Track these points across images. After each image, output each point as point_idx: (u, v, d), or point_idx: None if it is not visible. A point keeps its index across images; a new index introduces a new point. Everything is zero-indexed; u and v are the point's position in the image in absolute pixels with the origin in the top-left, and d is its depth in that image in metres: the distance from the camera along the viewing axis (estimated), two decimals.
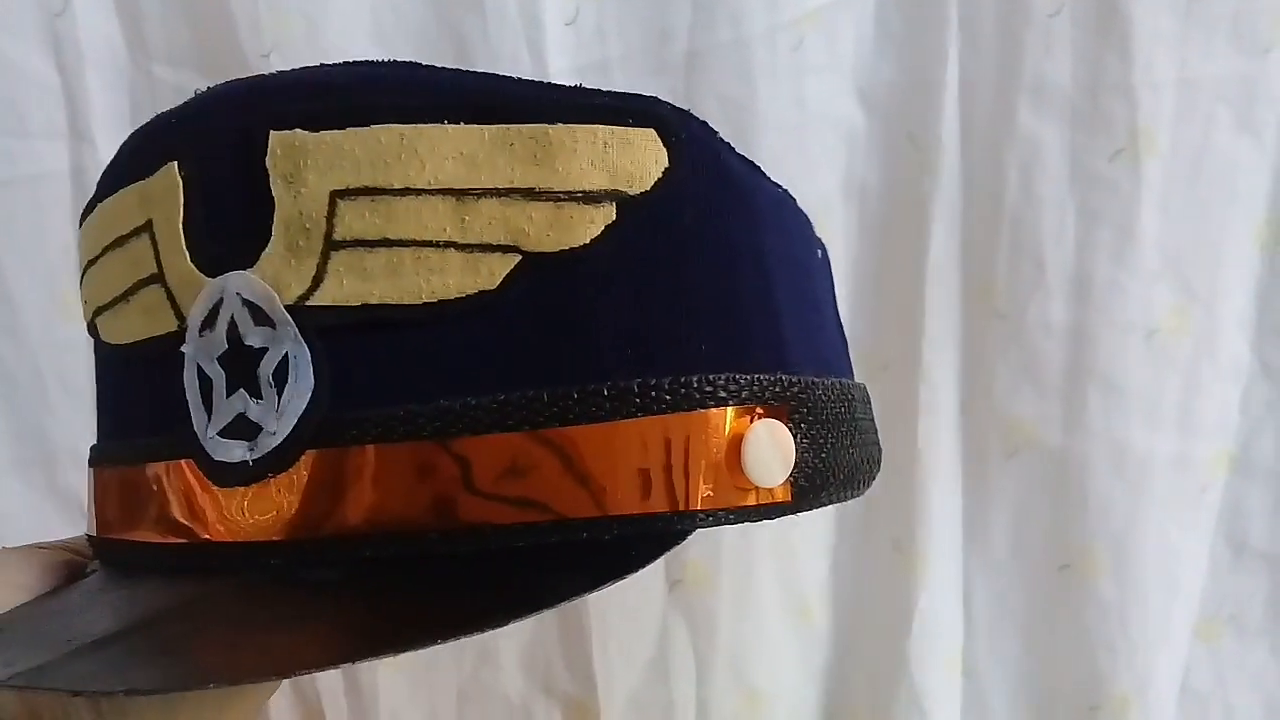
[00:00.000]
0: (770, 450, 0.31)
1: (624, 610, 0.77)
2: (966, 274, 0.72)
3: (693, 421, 0.30)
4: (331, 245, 0.29)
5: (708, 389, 0.30)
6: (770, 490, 0.31)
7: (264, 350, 0.29)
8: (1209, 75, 0.66)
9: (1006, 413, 0.74)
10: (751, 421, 0.30)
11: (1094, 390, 0.72)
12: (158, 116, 0.34)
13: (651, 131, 0.30)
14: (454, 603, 0.28)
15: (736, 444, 0.30)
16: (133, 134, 0.35)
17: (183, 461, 0.31)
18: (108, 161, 0.36)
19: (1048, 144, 0.68)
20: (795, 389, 0.32)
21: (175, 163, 0.31)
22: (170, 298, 0.31)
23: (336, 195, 0.28)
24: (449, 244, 0.28)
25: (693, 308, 0.31)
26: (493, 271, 0.29)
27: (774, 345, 0.33)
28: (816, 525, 0.79)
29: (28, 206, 0.68)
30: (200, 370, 0.30)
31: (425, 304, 0.29)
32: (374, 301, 0.29)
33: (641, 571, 0.29)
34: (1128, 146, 0.67)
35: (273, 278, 0.29)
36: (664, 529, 0.30)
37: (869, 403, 0.40)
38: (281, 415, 0.29)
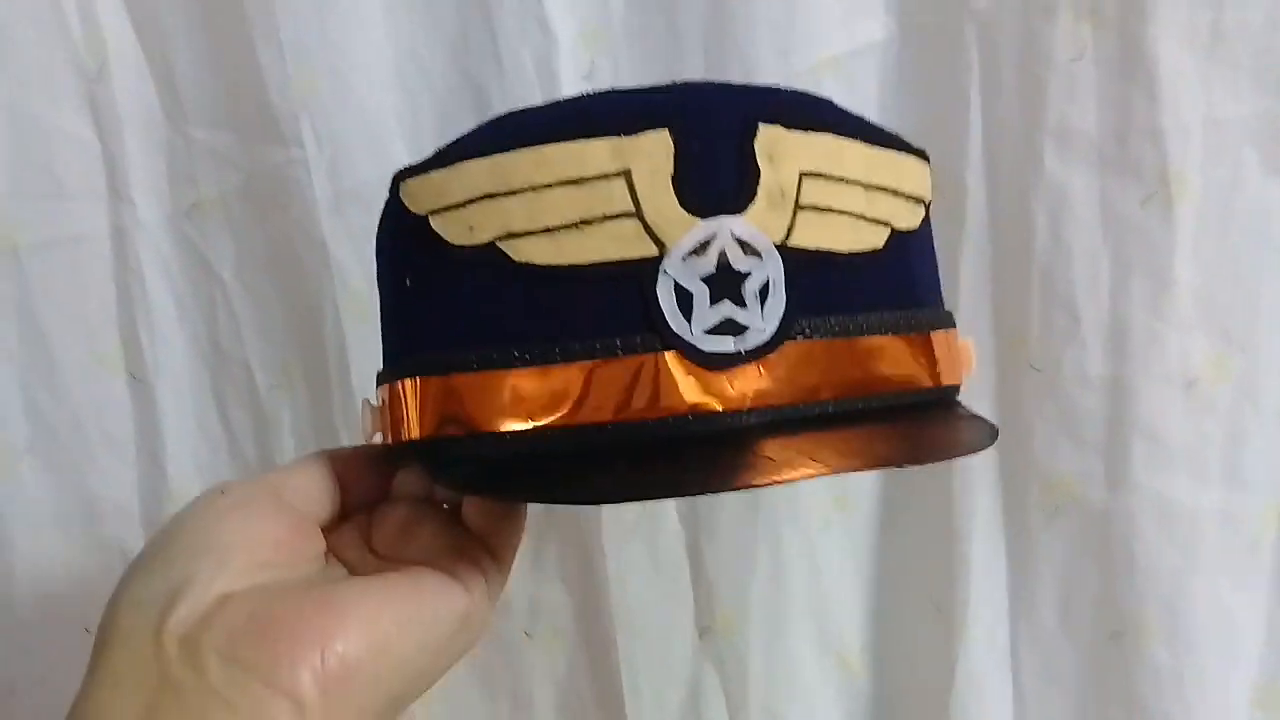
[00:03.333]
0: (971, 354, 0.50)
1: (654, 654, 0.77)
2: (998, 325, 0.72)
3: (954, 334, 0.48)
4: (799, 207, 0.42)
5: (953, 316, 0.49)
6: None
7: (748, 274, 0.41)
8: (1235, 115, 0.65)
9: (1046, 469, 0.72)
10: (958, 337, 0.49)
11: (1136, 444, 0.70)
12: (624, 93, 0.45)
13: (929, 168, 0.48)
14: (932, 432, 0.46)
15: (968, 349, 0.49)
16: (575, 101, 0.45)
17: (666, 353, 0.41)
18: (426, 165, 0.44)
19: (1076, 190, 0.67)
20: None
21: (667, 130, 0.41)
22: (649, 230, 0.41)
23: (803, 174, 0.42)
24: (861, 216, 0.44)
25: (936, 267, 0.50)
26: (880, 237, 0.44)
27: None
28: (852, 579, 0.78)
29: (67, 267, 0.69)
30: (678, 285, 0.41)
31: (850, 252, 0.43)
32: (824, 248, 0.43)
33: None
34: (1159, 191, 0.66)
35: (759, 223, 0.41)
36: (949, 398, 0.48)
37: None
38: (766, 318, 0.41)
